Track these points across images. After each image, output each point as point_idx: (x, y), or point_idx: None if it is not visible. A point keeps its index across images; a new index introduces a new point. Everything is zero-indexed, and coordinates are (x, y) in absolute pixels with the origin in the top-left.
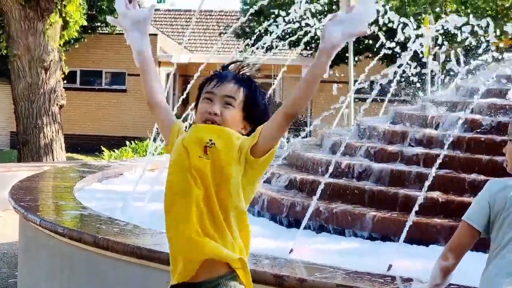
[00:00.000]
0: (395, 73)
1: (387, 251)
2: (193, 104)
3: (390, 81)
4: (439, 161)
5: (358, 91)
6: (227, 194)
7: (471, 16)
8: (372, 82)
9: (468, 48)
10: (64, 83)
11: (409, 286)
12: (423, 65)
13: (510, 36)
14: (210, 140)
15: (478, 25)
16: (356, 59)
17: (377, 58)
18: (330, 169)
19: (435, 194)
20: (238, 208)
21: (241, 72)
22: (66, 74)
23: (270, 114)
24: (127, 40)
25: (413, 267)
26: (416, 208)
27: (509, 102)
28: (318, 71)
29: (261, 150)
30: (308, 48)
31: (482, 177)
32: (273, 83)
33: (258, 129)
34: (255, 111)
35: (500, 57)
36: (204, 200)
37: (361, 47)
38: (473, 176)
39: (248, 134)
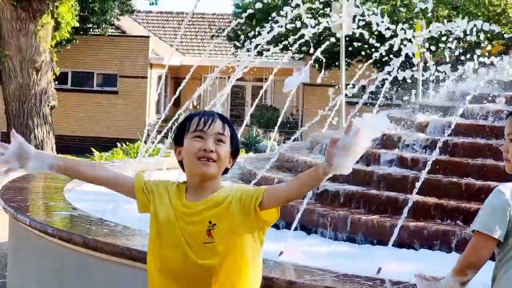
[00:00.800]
0: (386, 78)
1: (377, 255)
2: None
3: (381, 86)
4: (429, 165)
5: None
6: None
7: (463, 20)
8: (363, 87)
9: (459, 53)
10: (55, 84)
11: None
12: (413, 71)
13: (501, 42)
14: (210, 222)
15: (471, 29)
16: (347, 62)
17: (368, 63)
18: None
19: (425, 198)
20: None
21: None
22: (58, 75)
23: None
24: (31, 171)
25: (402, 270)
26: (406, 212)
27: (498, 106)
28: (316, 184)
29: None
30: (299, 51)
31: (472, 181)
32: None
33: (260, 189)
34: (237, 147)
35: (489, 62)
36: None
37: (352, 50)
38: (463, 180)
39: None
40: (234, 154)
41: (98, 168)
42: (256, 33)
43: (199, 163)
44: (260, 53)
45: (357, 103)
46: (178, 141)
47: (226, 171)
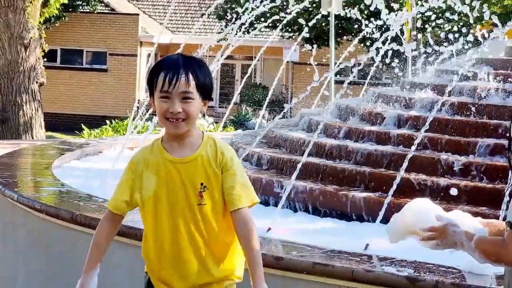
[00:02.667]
0: (375, 55)
1: (365, 231)
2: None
3: (370, 64)
4: (417, 142)
5: (339, 74)
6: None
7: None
8: (354, 65)
9: (448, 31)
10: (44, 62)
11: (386, 265)
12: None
13: (490, 22)
14: (202, 184)
15: (460, 7)
16: (337, 40)
17: (356, 40)
18: (308, 148)
19: (413, 175)
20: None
21: (187, 58)
22: (47, 52)
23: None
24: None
25: (390, 246)
26: (393, 188)
27: (488, 85)
28: None
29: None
30: (289, 30)
31: (460, 158)
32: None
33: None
34: (209, 90)
35: (480, 41)
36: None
37: (342, 28)
38: (451, 157)
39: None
40: (208, 96)
41: (104, 239)
42: (244, 10)
43: (169, 124)
44: (248, 31)
45: (347, 81)
46: (150, 93)
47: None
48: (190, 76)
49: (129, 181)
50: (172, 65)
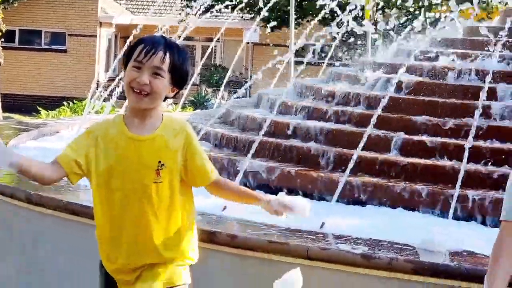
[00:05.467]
0: (335, 36)
1: (322, 210)
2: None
3: (331, 46)
4: (374, 121)
5: (299, 54)
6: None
7: None
8: (314, 46)
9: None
10: (2, 42)
11: (341, 243)
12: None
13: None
14: (160, 162)
15: None
16: (298, 21)
17: (316, 20)
18: (265, 127)
19: (371, 154)
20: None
21: (169, 40)
22: (4, 33)
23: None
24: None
25: (346, 225)
26: (350, 167)
27: (445, 64)
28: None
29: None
30: (249, 11)
31: (412, 137)
32: (214, 46)
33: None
34: (182, 77)
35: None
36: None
37: (303, 9)
38: (403, 136)
39: (174, 96)
40: (179, 83)
41: (46, 170)
42: None
43: (132, 94)
44: (207, 10)
45: (308, 62)
46: (125, 65)
47: (165, 99)
48: (168, 55)
49: (85, 147)
50: (153, 41)
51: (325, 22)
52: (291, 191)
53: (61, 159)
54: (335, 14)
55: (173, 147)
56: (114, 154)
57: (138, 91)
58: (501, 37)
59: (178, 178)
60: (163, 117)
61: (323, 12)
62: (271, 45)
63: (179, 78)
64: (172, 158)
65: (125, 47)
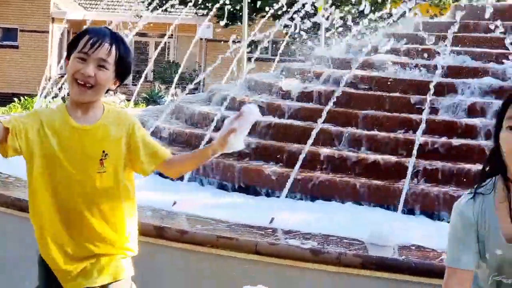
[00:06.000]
0: (288, 27)
1: (271, 206)
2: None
3: (282, 40)
4: (324, 115)
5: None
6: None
7: None
8: (266, 41)
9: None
10: None
11: (290, 238)
12: (317, 24)
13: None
14: (104, 152)
15: None
16: (251, 17)
17: (267, 16)
18: (214, 122)
19: (319, 149)
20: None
21: (115, 32)
22: None
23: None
24: None
25: (295, 220)
26: (300, 162)
27: (396, 59)
28: (205, 161)
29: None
30: (203, 7)
31: (362, 132)
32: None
33: (160, 157)
34: (126, 69)
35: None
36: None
37: (256, 6)
38: (352, 130)
39: (116, 89)
40: (122, 75)
41: None
42: None
43: (75, 87)
44: (160, 6)
45: (261, 59)
46: (68, 55)
47: (107, 91)
48: (114, 47)
49: (30, 126)
50: (99, 32)
51: (278, 17)
52: (243, 188)
53: (8, 123)
54: (287, 11)
55: (117, 136)
56: (58, 143)
57: (82, 83)
58: (447, 33)
59: (122, 167)
60: (105, 107)
61: (276, 7)
62: (222, 42)
63: (123, 71)
64: (116, 147)
65: None
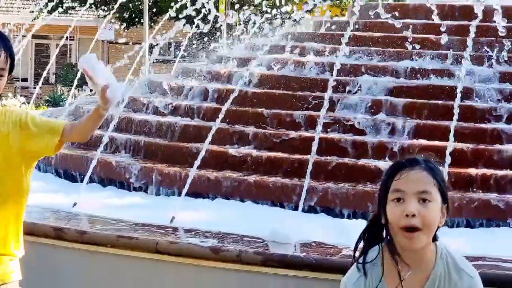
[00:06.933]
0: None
1: (172, 205)
2: None
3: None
4: (221, 114)
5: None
6: None
7: None
8: (169, 43)
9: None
10: None
11: (190, 237)
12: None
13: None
14: None
15: None
16: (153, 19)
17: (165, 18)
18: (113, 123)
19: (219, 148)
20: None
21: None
22: None
23: None
24: None
25: (196, 219)
26: (198, 161)
27: (291, 57)
28: (101, 121)
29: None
30: (104, 9)
31: (261, 130)
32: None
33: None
34: (13, 66)
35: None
36: None
37: (158, 7)
38: (253, 129)
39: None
40: (11, 71)
41: None
42: None
43: None
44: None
45: (163, 61)
46: None
47: None
48: (8, 53)
49: None
50: None
51: (178, 19)
52: (140, 186)
53: None
54: (188, 15)
55: (4, 132)
56: None
57: None
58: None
59: (12, 165)
60: None
61: (174, 8)
62: (123, 44)
63: (12, 69)
64: (4, 144)
65: None
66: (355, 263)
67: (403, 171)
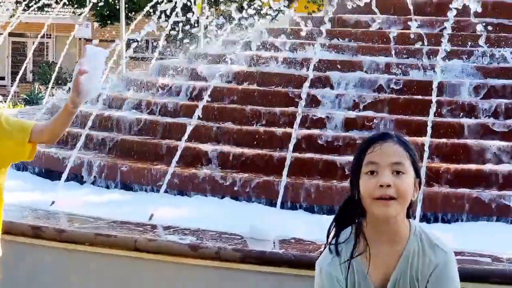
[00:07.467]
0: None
1: (151, 202)
2: None
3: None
4: (198, 112)
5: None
6: None
7: None
8: (147, 41)
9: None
10: None
11: (169, 234)
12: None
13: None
14: None
15: None
16: (130, 17)
17: (141, 15)
18: (90, 121)
19: (198, 145)
20: None
21: None
22: None
23: None
24: None
25: (175, 215)
26: (176, 158)
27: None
28: (71, 118)
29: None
30: (80, 6)
31: (241, 127)
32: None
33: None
34: None
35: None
36: None
37: (135, 4)
38: (232, 126)
39: None
40: None
41: None
42: None
43: None
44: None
45: (141, 58)
46: None
47: None
48: None
49: None
50: None
51: (158, 17)
52: (117, 184)
53: None
54: (166, 11)
55: None
56: None
57: None
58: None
59: None
60: None
61: (149, 5)
62: (98, 41)
63: None
64: None
65: None
66: (328, 245)
67: (376, 144)
